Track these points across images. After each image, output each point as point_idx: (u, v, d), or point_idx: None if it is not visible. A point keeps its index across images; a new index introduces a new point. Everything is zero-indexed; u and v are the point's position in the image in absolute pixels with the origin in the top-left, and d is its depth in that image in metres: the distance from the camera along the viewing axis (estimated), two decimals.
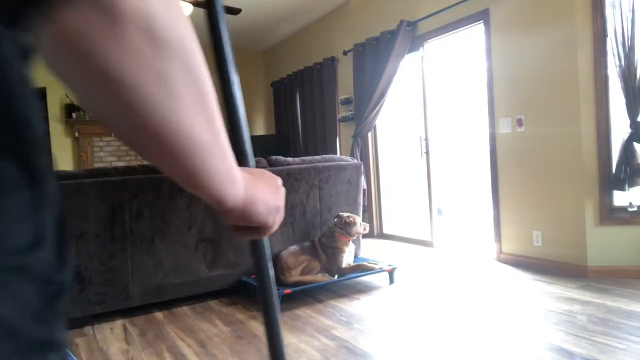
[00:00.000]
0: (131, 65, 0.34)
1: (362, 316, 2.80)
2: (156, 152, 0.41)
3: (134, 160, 6.77)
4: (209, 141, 0.41)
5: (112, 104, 0.37)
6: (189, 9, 4.69)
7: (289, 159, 3.68)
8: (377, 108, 5.06)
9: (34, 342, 0.30)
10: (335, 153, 5.91)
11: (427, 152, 4.80)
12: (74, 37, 0.33)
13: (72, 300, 2.74)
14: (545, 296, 2.95)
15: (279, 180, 0.62)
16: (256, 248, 0.69)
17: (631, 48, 3.04)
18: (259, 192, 0.55)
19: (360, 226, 3.46)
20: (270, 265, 0.71)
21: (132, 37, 0.34)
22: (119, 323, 2.88)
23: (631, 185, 3.14)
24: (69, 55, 0.35)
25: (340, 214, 3.50)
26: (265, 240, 0.69)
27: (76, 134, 6.45)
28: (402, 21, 4.67)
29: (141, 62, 0.35)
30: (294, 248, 3.38)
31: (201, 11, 5.00)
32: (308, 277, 3.21)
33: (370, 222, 5.54)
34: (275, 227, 0.60)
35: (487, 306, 2.85)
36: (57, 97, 6.43)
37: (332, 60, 5.99)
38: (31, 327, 0.30)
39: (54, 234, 0.33)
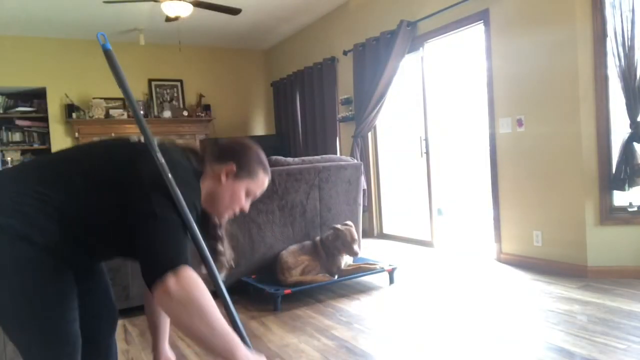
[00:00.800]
0: (177, 314, 1.06)
1: (362, 316, 2.80)
2: (199, 344, 1.12)
3: None
4: (216, 345, 1.09)
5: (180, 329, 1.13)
6: (189, 9, 4.69)
7: (289, 159, 3.68)
8: (377, 108, 5.06)
9: None
10: (335, 153, 5.91)
11: (427, 152, 4.80)
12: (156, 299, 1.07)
13: None
14: (545, 296, 2.95)
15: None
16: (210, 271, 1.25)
17: (631, 48, 3.04)
18: None
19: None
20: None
21: (175, 304, 1.04)
22: (119, 323, 2.88)
23: (631, 185, 3.14)
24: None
25: (340, 229, 3.32)
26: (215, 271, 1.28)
27: (76, 134, 6.44)
28: (402, 21, 4.67)
29: (180, 313, 1.06)
30: (294, 248, 3.38)
31: (201, 11, 5.00)
32: (308, 277, 3.21)
33: (370, 222, 5.54)
34: None
35: (487, 306, 2.85)
36: (57, 97, 6.43)
37: (332, 60, 5.99)
38: None
39: None
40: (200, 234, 1.26)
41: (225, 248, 1.49)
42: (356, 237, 3.30)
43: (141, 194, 1.14)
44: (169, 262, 1.06)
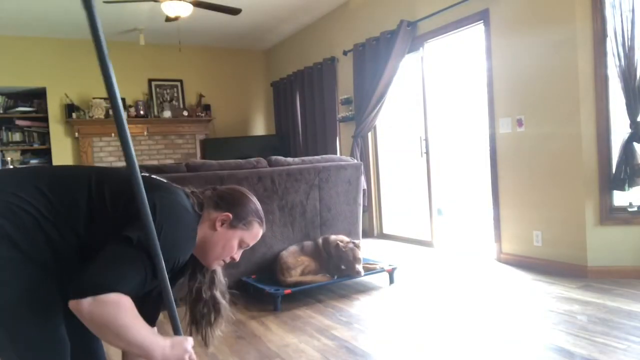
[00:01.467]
0: (92, 329, 1.10)
1: (362, 316, 2.80)
2: (120, 346, 1.19)
3: None
4: (130, 346, 1.13)
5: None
6: (189, 9, 4.69)
7: (289, 159, 3.68)
8: (377, 108, 5.06)
9: None
10: (335, 153, 5.91)
11: (427, 152, 4.80)
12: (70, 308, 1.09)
13: None
14: (545, 296, 2.95)
15: (187, 346, 1.22)
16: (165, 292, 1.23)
17: (631, 48, 3.04)
18: (168, 358, 1.17)
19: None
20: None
21: (89, 320, 1.07)
22: None
23: (631, 185, 3.14)
24: None
25: (343, 250, 3.25)
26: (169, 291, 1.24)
27: (76, 134, 6.44)
28: (402, 21, 4.67)
29: (95, 329, 1.09)
30: (294, 248, 3.38)
31: (201, 11, 5.00)
32: (308, 278, 3.20)
33: (370, 222, 5.54)
34: None
35: (487, 306, 2.85)
36: (57, 97, 6.43)
37: (332, 60, 5.99)
38: None
39: None
40: (194, 277, 1.45)
41: (223, 296, 1.52)
42: (359, 256, 3.24)
43: (137, 222, 1.14)
44: (98, 287, 1.06)
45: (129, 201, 1.16)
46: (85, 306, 1.05)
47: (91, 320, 1.07)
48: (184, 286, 1.50)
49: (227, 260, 1.43)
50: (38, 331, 1.18)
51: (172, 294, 1.22)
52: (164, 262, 1.16)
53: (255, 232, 1.44)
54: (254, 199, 1.47)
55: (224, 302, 1.52)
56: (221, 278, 1.53)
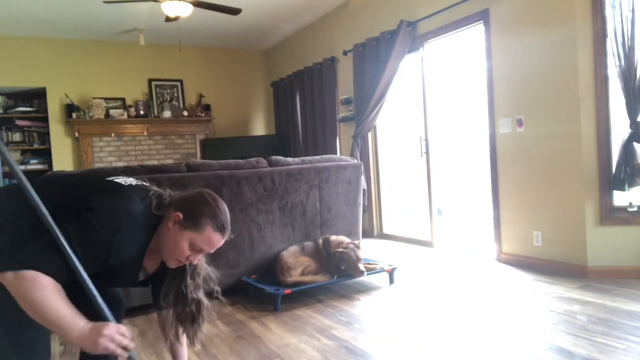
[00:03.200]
0: (18, 301, 1.18)
1: (362, 316, 2.80)
2: (41, 322, 1.20)
3: (134, 160, 6.77)
4: (48, 324, 1.20)
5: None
6: (189, 9, 4.69)
7: (289, 159, 3.67)
8: (377, 108, 5.06)
9: None
10: (335, 153, 5.91)
11: (427, 152, 4.80)
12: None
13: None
14: (545, 296, 2.95)
15: (105, 331, 1.20)
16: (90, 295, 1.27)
17: (631, 48, 3.04)
18: (84, 340, 1.20)
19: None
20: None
21: (11, 292, 1.17)
22: None
23: (631, 185, 3.13)
24: None
25: (344, 252, 3.26)
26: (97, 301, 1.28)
27: (76, 134, 6.44)
28: (402, 21, 4.67)
29: (18, 301, 1.18)
30: (294, 248, 3.38)
31: (201, 11, 4.99)
32: (308, 278, 3.20)
33: (370, 222, 5.54)
34: (102, 351, 1.20)
35: (487, 306, 2.85)
36: (57, 97, 6.43)
37: (332, 60, 5.99)
38: None
39: None
40: (177, 277, 1.51)
41: (200, 295, 1.55)
42: (361, 256, 3.26)
43: (85, 208, 1.30)
44: (19, 263, 1.17)
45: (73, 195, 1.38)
46: (6, 279, 1.17)
47: (12, 293, 1.17)
48: (168, 288, 1.55)
49: (183, 261, 1.43)
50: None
51: (90, 284, 1.26)
52: (106, 251, 1.28)
53: (208, 237, 1.40)
54: (219, 205, 1.45)
55: (206, 302, 1.56)
56: (208, 276, 1.56)
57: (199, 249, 1.42)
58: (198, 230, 1.39)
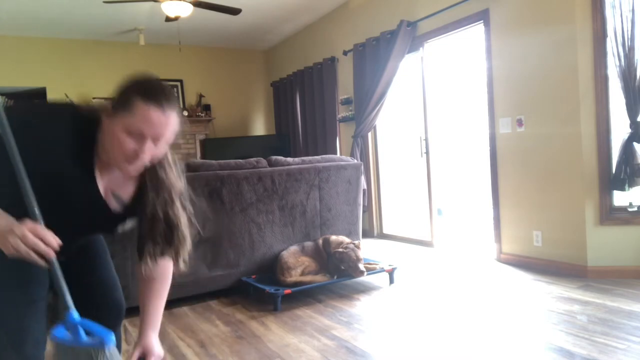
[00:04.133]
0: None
1: (362, 316, 2.80)
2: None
3: None
4: None
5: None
6: (189, 9, 4.69)
7: (289, 159, 3.67)
8: (377, 108, 5.06)
9: None
10: (335, 153, 5.91)
11: (427, 152, 4.80)
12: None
13: None
14: (545, 296, 2.95)
15: (17, 229, 1.07)
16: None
17: (631, 48, 3.04)
18: None
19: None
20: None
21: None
22: None
23: (631, 185, 3.14)
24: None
25: (343, 252, 3.26)
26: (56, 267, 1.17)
27: None
28: (402, 21, 4.67)
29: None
30: (294, 248, 3.38)
31: (202, 11, 5.00)
32: (308, 278, 3.21)
33: (370, 222, 5.54)
34: (11, 252, 1.06)
35: (487, 306, 2.85)
36: (57, 97, 6.43)
37: (332, 60, 5.99)
38: None
39: None
40: (145, 197, 1.33)
41: (181, 237, 1.36)
42: (361, 256, 3.26)
43: None
44: None
45: None
46: None
47: None
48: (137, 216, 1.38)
49: (133, 158, 1.20)
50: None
51: (33, 197, 1.14)
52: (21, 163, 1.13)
53: (141, 113, 1.16)
54: (147, 76, 1.24)
55: (184, 220, 1.37)
56: (181, 193, 1.37)
57: (139, 133, 1.17)
58: (129, 109, 1.16)
